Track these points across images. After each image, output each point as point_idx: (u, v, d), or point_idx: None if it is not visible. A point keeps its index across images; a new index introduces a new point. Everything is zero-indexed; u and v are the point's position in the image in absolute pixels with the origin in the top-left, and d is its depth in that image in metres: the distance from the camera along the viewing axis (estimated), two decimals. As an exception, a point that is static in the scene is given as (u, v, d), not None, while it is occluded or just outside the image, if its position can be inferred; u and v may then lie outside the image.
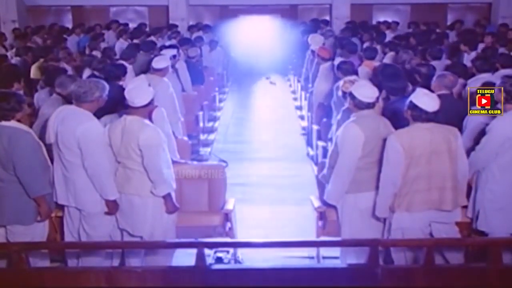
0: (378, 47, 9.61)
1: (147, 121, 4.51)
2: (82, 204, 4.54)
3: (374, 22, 15.16)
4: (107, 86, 4.69)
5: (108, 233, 4.64)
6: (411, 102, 4.27)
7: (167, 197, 4.48)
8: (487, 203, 4.54)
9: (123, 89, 4.76)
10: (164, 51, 8.34)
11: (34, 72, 8.58)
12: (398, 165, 4.22)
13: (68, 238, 4.70)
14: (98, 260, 4.58)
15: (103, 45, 11.06)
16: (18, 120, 4.43)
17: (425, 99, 4.24)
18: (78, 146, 4.40)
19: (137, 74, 7.96)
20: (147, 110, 4.54)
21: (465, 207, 4.68)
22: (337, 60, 8.88)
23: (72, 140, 4.41)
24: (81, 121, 4.43)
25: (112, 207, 4.53)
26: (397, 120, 4.70)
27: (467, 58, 8.64)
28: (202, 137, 8.81)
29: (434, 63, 7.33)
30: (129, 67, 7.91)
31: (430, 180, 4.25)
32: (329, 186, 4.67)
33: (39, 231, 4.51)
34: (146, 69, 8.56)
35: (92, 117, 4.52)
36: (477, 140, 4.92)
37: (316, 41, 9.26)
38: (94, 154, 4.41)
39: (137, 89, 4.52)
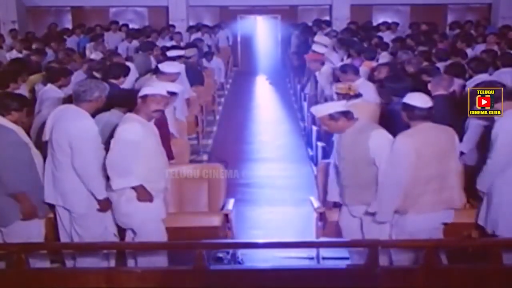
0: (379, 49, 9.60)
1: (139, 118, 4.40)
2: (70, 204, 4.53)
3: (374, 23, 15.13)
4: (107, 87, 4.69)
5: (100, 233, 4.59)
6: (403, 103, 4.34)
7: (136, 189, 4.37)
8: (507, 207, 4.40)
9: (120, 89, 4.75)
10: (169, 52, 8.32)
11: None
12: (406, 167, 4.19)
13: (62, 238, 4.68)
14: (94, 260, 4.55)
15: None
16: (15, 121, 4.42)
17: (416, 96, 4.34)
18: (70, 145, 4.39)
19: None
20: (145, 109, 4.43)
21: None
22: (336, 59, 8.92)
23: (65, 138, 4.40)
24: (75, 119, 4.43)
25: (103, 205, 4.52)
26: (400, 122, 4.68)
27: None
28: (202, 137, 8.80)
29: (439, 64, 7.36)
30: (132, 67, 7.92)
31: (441, 179, 4.27)
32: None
33: (35, 232, 4.48)
34: (144, 69, 8.58)
35: (88, 116, 4.51)
36: (476, 141, 4.95)
37: (323, 41, 9.23)
38: (84, 153, 4.38)
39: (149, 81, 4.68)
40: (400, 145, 4.22)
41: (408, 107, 4.29)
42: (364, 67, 7.63)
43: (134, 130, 4.32)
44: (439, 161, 4.25)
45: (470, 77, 6.51)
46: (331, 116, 4.40)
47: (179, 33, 13.14)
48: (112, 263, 4.65)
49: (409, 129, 4.32)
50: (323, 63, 8.02)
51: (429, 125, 4.29)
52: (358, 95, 5.51)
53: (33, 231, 4.47)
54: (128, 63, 7.82)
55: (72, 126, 4.40)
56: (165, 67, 6.59)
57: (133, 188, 4.36)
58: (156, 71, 6.70)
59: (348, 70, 6.56)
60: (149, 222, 4.46)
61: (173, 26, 14.46)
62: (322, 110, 4.51)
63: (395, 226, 4.39)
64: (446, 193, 4.30)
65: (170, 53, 8.28)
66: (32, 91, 7.03)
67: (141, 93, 4.46)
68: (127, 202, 4.40)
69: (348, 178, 4.48)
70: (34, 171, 4.49)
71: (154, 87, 4.59)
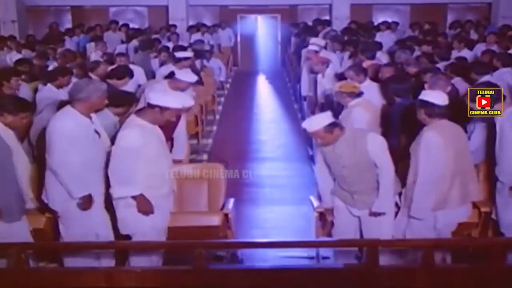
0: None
1: (142, 122, 4.39)
2: (51, 203, 4.56)
3: (374, 22, 15.13)
4: (102, 88, 4.62)
5: (83, 235, 4.51)
6: (421, 101, 4.35)
7: (137, 198, 4.37)
8: None
9: (116, 89, 4.73)
10: (178, 54, 8.31)
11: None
12: (440, 161, 4.23)
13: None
14: (86, 261, 4.52)
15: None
16: (7, 124, 4.30)
17: (434, 94, 4.41)
18: (48, 141, 4.40)
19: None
20: (157, 117, 4.42)
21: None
22: (335, 60, 8.90)
23: (47, 137, 4.42)
24: (57, 119, 4.44)
25: (86, 202, 4.47)
26: (410, 120, 4.67)
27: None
28: (202, 137, 8.79)
29: (440, 64, 7.35)
30: (141, 71, 8.07)
31: (463, 174, 4.34)
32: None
33: (17, 231, 4.33)
34: (143, 69, 8.57)
35: (75, 116, 4.43)
36: (482, 141, 4.97)
37: (318, 42, 9.22)
38: (58, 151, 4.34)
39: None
40: (432, 141, 4.23)
41: (427, 105, 4.31)
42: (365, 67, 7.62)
43: (135, 136, 4.30)
44: (460, 157, 4.32)
45: (475, 80, 6.51)
46: (326, 129, 4.32)
47: (175, 33, 13.10)
48: (104, 264, 4.62)
49: (430, 125, 4.32)
50: (327, 65, 8.00)
51: (446, 122, 4.35)
52: (360, 94, 5.52)
53: (15, 231, 4.31)
54: (135, 67, 7.85)
55: (52, 125, 4.41)
56: (181, 74, 6.58)
57: (133, 197, 4.35)
58: (170, 76, 6.75)
59: (359, 71, 6.53)
60: (146, 230, 4.43)
61: (175, 26, 14.43)
62: (313, 125, 4.37)
63: (418, 222, 4.36)
64: (468, 187, 4.40)
65: (178, 54, 8.26)
66: (35, 92, 7.02)
67: (161, 103, 4.37)
68: (124, 208, 4.40)
69: (356, 184, 4.49)
70: (11, 175, 4.31)
71: (175, 100, 4.51)
